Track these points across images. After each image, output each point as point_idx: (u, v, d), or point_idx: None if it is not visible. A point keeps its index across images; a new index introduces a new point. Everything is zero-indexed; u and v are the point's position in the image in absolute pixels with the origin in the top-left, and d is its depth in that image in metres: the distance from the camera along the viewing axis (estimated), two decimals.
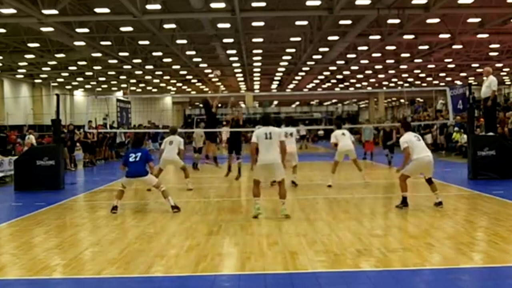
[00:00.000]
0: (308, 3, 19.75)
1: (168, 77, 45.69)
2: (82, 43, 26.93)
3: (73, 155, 19.70)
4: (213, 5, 19.66)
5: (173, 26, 25.05)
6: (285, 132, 12.22)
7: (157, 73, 41.68)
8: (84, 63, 35.57)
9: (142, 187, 11.24)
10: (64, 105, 38.90)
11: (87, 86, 51.34)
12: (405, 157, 8.67)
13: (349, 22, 24.25)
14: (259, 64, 38.77)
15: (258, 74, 45.53)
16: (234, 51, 32.71)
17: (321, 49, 32.00)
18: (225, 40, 29.03)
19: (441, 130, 22.91)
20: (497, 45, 31.42)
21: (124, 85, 48.36)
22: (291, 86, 53.04)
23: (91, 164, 20.68)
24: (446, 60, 37.91)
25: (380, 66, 40.42)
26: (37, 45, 28.24)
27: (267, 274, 5.20)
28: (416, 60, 36.17)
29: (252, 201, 8.41)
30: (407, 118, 25.99)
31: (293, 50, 33.52)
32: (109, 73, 41.15)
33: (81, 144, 21.15)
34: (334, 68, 40.53)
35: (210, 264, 5.58)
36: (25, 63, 34.98)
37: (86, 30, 24.09)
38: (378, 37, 27.28)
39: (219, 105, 14.96)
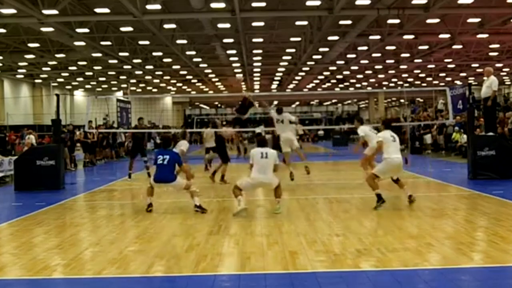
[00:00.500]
0: (308, 3, 19.76)
1: (168, 77, 45.68)
2: (82, 43, 26.94)
3: (73, 155, 19.72)
4: (213, 5, 19.68)
5: (173, 26, 25.05)
6: (276, 119, 12.43)
7: (157, 73, 41.68)
8: (84, 63, 35.58)
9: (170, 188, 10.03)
10: (64, 105, 38.89)
11: (87, 86, 51.35)
12: (376, 148, 9.15)
13: (349, 22, 24.26)
14: (259, 64, 38.77)
15: (258, 74, 45.52)
16: (234, 51, 32.70)
17: (321, 49, 31.99)
18: (225, 40, 29.04)
19: (440, 130, 22.91)
20: (497, 45, 31.43)
21: (124, 85, 48.36)
22: (291, 86, 53.03)
23: (91, 164, 20.69)
24: (446, 60, 37.90)
25: (380, 66, 40.42)
26: (37, 45, 28.24)
27: (267, 274, 5.19)
28: (416, 60, 36.15)
29: (251, 202, 8.40)
30: (408, 118, 26.01)
31: (293, 50, 33.51)
32: (109, 73, 41.17)
33: (81, 144, 21.16)
34: (334, 68, 40.51)
35: (210, 264, 5.58)
36: (25, 63, 34.98)
37: (86, 30, 24.10)
38: (378, 37, 27.28)
39: (219, 105, 14.93)
